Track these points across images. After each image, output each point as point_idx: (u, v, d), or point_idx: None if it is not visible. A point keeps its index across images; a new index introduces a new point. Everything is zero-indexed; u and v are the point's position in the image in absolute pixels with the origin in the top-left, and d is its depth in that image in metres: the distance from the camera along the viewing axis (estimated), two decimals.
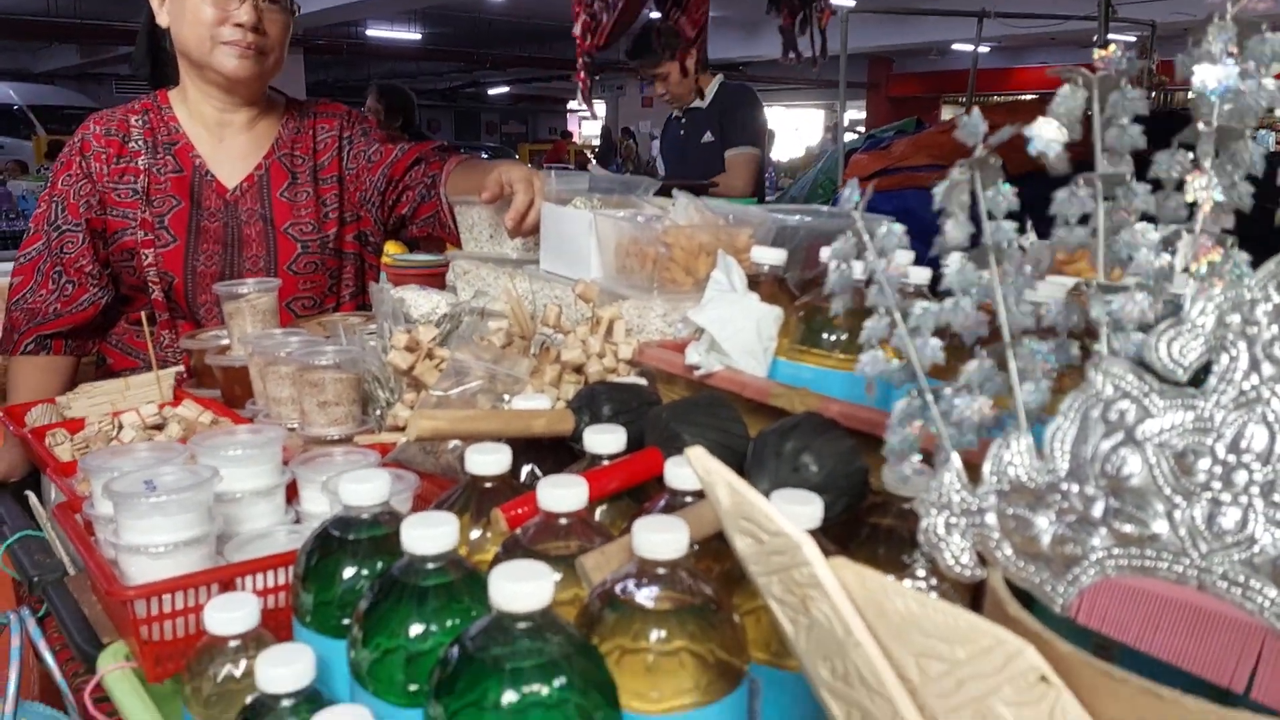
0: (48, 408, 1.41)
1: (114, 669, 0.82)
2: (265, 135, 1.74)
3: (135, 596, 0.79)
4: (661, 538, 0.63)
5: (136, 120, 1.69)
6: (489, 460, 0.81)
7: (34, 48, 15.04)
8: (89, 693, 0.81)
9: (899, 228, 0.68)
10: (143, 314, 1.52)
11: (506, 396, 1.05)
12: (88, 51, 13.89)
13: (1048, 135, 0.58)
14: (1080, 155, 0.60)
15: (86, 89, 15.68)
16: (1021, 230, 0.67)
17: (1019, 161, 0.66)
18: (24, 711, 1.30)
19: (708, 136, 3.71)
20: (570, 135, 21.61)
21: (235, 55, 1.59)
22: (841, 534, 0.79)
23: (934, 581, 0.65)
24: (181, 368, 1.53)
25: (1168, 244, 0.55)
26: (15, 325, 1.64)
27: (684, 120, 3.83)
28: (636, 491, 0.86)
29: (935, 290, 0.72)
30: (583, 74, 4.13)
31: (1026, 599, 0.57)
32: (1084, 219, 0.59)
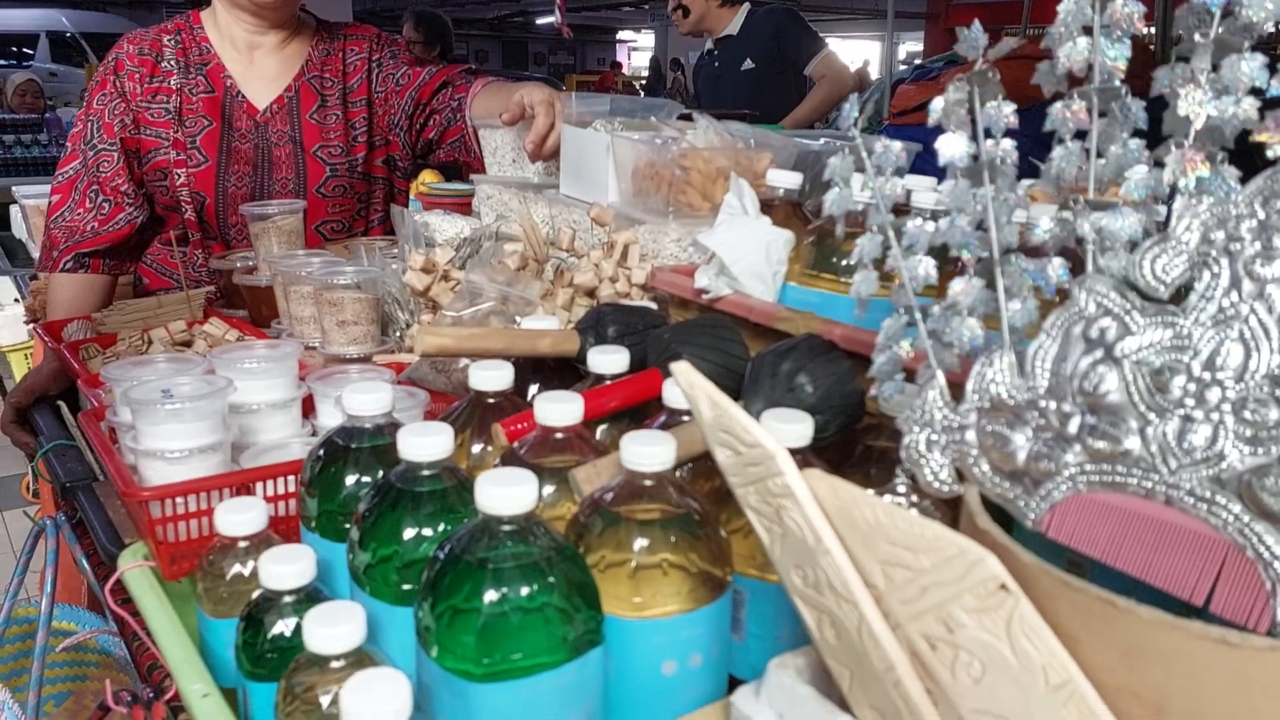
0: (83, 324, 1.44)
1: (132, 567, 0.85)
2: (295, 57, 1.74)
3: (150, 498, 0.82)
4: (648, 450, 0.64)
5: (169, 40, 1.70)
6: (491, 376, 0.82)
7: None
8: (109, 588, 0.85)
9: (897, 145, 0.67)
10: (173, 235, 1.54)
11: (518, 318, 1.06)
12: None
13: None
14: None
15: (137, 16, 15.72)
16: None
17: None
18: (63, 614, 1.36)
19: (747, 64, 3.57)
20: (619, 66, 21.31)
21: None
22: (836, 455, 0.79)
23: (915, 498, 0.66)
24: (213, 288, 1.56)
25: (1158, 161, 0.54)
26: (54, 243, 1.67)
27: (716, 52, 3.71)
28: (639, 412, 0.87)
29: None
30: None
31: (1005, 517, 0.57)
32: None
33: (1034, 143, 0.64)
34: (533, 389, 0.97)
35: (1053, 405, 0.55)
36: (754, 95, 3.49)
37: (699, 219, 1.18)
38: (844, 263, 0.96)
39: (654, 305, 1.05)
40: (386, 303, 1.26)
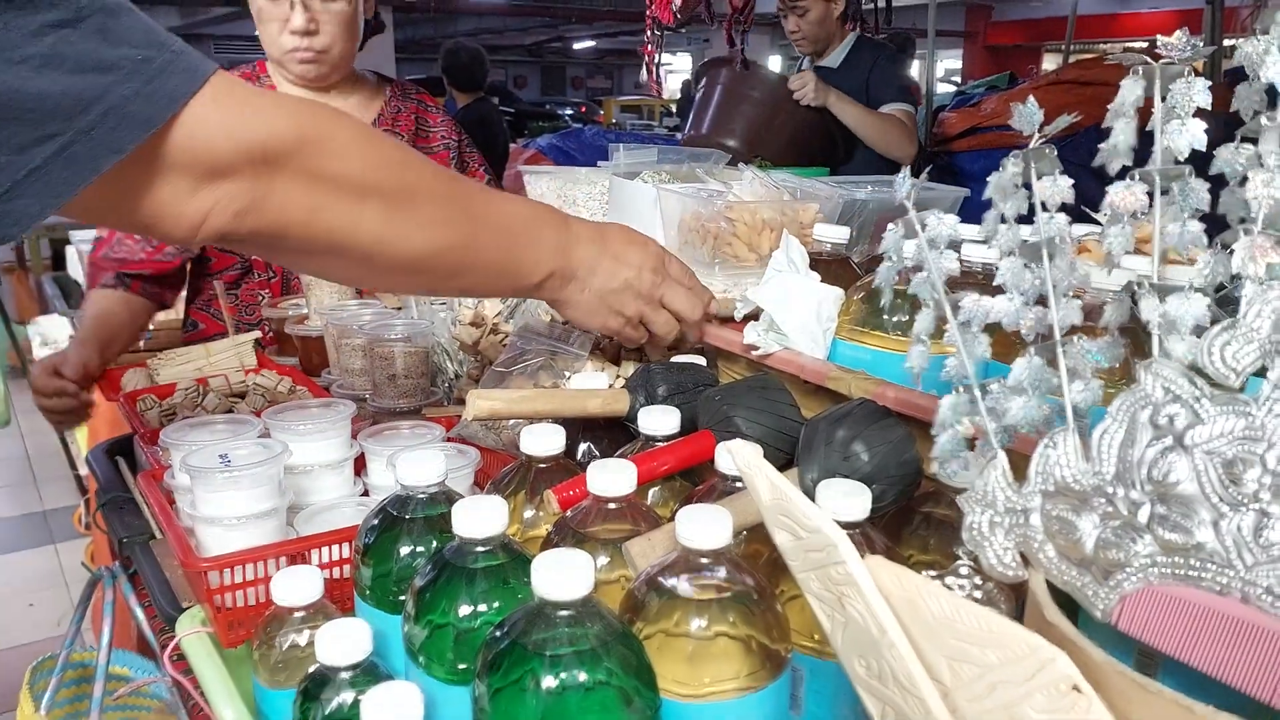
0: (139, 372, 1.47)
1: (191, 633, 0.86)
2: (363, 110, 1.77)
3: (209, 568, 0.83)
4: (704, 529, 0.64)
5: None
6: (543, 442, 0.82)
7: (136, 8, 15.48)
8: (169, 653, 0.86)
9: (951, 219, 0.67)
10: (217, 284, 1.56)
11: (567, 374, 1.06)
12: (187, 13, 14.21)
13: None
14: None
15: None
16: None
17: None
18: (116, 659, 1.38)
19: None
20: (660, 90, 21.29)
21: (297, 62, 1.65)
22: (893, 523, 0.78)
23: (979, 580, 0.65)
24: (259, 334, 1.58)
25: (1225, 244, 0.53)
26: (100, 268, 1.70)
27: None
28: (691, 470, 0.87)
29: None
30: (649, 46, 3.59)
31: (1070, 603, 0.56)
32: None
33: (1076, 168, 0.63)
34: (582, 447, 0.97)
35: (1120, 492, 0.54)
36: (832, 142, 3.01)
37: (745, 270, 1.18)
38: (894, 319, 0.95)
39: (702, 359, 1.05)
40: (435, 353, 1.27)
